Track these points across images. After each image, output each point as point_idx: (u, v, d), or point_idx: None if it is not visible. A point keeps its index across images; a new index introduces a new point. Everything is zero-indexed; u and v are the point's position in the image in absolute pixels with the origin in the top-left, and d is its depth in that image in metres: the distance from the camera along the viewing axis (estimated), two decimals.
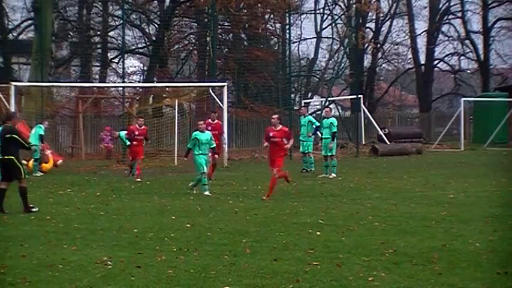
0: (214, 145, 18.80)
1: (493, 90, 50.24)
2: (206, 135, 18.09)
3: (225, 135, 21.88)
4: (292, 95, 44.91)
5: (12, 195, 17.95)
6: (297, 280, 8.43)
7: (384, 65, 59.13)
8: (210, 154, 19.23)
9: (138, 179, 21.56)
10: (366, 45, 48.29)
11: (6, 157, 14.82)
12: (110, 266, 9.28)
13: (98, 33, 44.22)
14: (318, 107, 45.95)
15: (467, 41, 55.39)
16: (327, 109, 25.56)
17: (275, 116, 17.69)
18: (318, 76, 52.31)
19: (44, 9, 33.04)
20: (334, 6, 50.73)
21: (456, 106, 47.66)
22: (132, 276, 8.70)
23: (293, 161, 28.63)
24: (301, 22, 48.50)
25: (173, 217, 13.76)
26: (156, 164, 28.51)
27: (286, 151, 18.03)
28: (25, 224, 13.05)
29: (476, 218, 13.11)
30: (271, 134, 17.20)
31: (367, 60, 54.14)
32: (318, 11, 50.23)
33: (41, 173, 24.02)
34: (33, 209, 14.83)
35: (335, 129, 22.79)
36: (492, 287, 8.23)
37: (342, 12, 50.58)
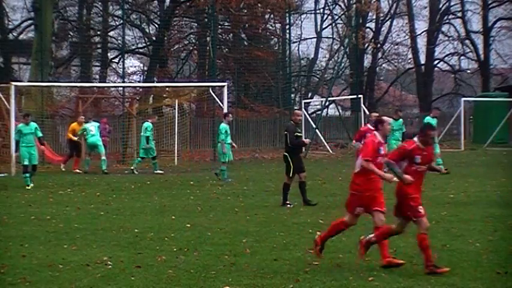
0: None
1: (493, 90, 50.19)
2: None
3: None
4: (292, 95, 44.88)
5: (12, 195, 17.98)
6: (297, 280, 8.43)
7: (384, 65, 59.07)
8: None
9: None
10: (366, 45, 48.23)
11: (284, 153, 15.78)
12: (110, 266, 9.28)
13: (98, 33, 44.17)
14: (318, 107, 45.98)
15: (467, 41, 55.34)
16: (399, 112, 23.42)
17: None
18: (318, 76, 52.25)
19: (44, 9, 33.01)
20: (334, 6, 50.67)
21: (456, 106, 47.62)
22: (132, 276, 8.70)
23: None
24: (301, 22, 48.39)
25: (173, 217, 13.77)
26: None
27: None
28: (25, 224, 13.05)
29: (476, 218, 13.11)
30: None
31: (367, 60, 54.10)
32: (318, 11, 50.14)
33: (161, 171, 25.06)
34: (312, 204, 15.39)
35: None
36: (492, 287, 8.23)
37: (342, 12, 50.54)
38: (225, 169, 21.47)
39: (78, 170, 25.28)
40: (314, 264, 9.26)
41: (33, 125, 20.04)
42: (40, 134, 20.20)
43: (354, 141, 15.76)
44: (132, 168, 25.16)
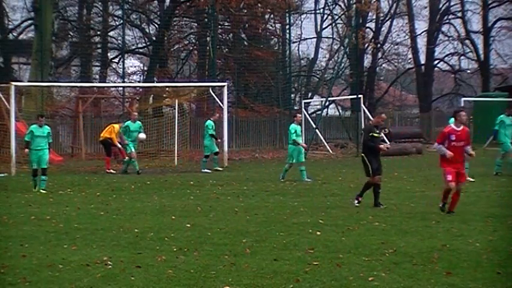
0: None
1: (493, 90, 50.18)
2: None
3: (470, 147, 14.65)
4: (292, 95, 44.91)
5: (12, 195, 17.98)
6: (297, 280, 8.43)
7: (384, 65, 59.17)
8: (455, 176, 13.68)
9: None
10: (366, 45, 48.27)
11: (361, 153, 15.70)
12: (110, 266, 9.27)
13: (98, 33, 44.22)
14: (318, 107, 45.97)
15: (467, 41, 55.37)
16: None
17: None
18: (318, 76, 52.29)
19: (44, 9, 33.05)
20: (334, 6, 50.73)
21: (456, 106, 47.64)
22: (132, 276, 8.69)
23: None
24: (301, 22, 48.51)
25: (173, 217, 13.76)
26: (156, 164, 28.51)
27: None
28: (25, 224, 13.05)
29: (476, 218, 13.10)
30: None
31: (367, 60, 54.16)
32: (318, 11, 50.20)
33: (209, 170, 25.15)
34: (381, 206, 15.00)
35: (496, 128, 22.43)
36: (492, 287, 8.22)
37: (342, 12, 50.58)
38: (304, 169, 21.20)
39: (112, 171, 25.03)
40: (314, 264, 9.25)
41: (47, 128, 19.24)
42: (50, 140, 19.43)
43: (436, 143, 14.19)
44: (203, 170, 24.91)
